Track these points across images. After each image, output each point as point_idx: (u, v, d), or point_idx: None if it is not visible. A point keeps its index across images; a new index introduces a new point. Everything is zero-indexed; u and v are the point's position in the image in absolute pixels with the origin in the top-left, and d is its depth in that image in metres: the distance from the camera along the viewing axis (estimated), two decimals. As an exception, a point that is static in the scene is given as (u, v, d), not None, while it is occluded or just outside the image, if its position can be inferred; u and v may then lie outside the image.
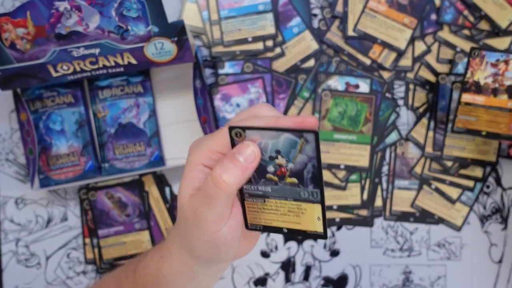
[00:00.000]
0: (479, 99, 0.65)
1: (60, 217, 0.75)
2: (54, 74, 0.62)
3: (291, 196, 0.44)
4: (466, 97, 0.65)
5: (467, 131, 0.68)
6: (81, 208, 0.74)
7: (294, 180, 0.44)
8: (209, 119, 0.68)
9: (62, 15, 0.56)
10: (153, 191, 0.73)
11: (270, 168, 0.44)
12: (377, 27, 0.71)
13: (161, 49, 0.61)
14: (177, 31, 0.59)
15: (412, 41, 0.72)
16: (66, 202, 0.74)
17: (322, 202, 0.43)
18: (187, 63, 0.65)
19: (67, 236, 0.75)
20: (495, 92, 0.65)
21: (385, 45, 0.72)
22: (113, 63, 0.62)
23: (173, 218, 0.74)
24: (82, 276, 0.75)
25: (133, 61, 0.62)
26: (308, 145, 0.41)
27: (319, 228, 0.44)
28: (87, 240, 0.74)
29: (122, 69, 0.64)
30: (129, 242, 0.73)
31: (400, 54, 0.72)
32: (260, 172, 0.44)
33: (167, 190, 0.74)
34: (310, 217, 0.44)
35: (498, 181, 0.74)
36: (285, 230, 0.45)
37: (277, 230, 0.46)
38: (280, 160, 0.43)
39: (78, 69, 0.62)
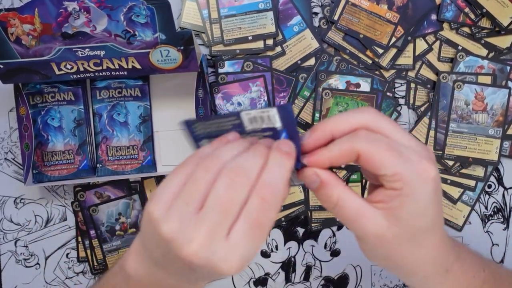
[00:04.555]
0: (365, 3, 0.76)
1: (59, 216, 0.80)
2: (57, 72, 0.69)
3: None
4: None
5: (348, 30, 0.78)
6: (72, 209, 0.80)
7: (134, 230, 0.77)
8: (208, 130, 0.75)
9: (70, 15, 0.62)
10: (154, 195, 0.80)
11: (117, 227, 0.78)
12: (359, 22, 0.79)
13: (166, 56, 0.67)
14: (184, 40, 0.65)
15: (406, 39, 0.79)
16: (65, 201, 0.80)
17: None
18: (192, 72, 0.71)
19: (66, 236, 0.80)
20: (378, 0, 0.77)
21: (368, 41, 0.79)
22: (117, 66, 0.68)
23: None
24: (81, 276, 0.81)
25: (137, 66, 0.68)
26: (136, 202, 0.74)
27: None
28: (80, 239, 0.81)
29: (125, 73, 0.70)
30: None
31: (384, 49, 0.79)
32: (111, 232, 0.78)
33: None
34: None
35: (499, 181, 0.80)
36: None
37: None
38: (122, 219, 0.78)
39: (81, 69, 0.68)
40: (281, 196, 0.43)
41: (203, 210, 0.42)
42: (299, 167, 0.47)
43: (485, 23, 0.79)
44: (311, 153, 0.47)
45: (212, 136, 0.49)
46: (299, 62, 0.79)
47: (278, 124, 0.45)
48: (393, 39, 0.78)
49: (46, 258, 0.81)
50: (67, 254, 0.81)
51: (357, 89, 0.78)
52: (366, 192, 0.79)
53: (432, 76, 0.80)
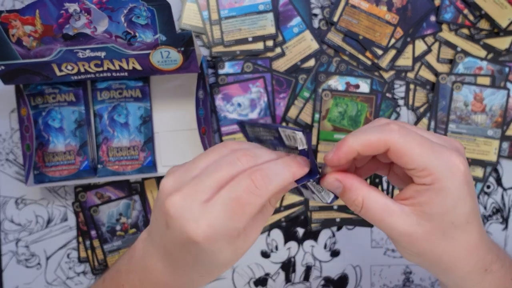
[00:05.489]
0: (364, 4, 0.76)
1: (60, 217, 0.81)
2: (58, 73, 0.69)
3: None
4: (354, 0, 0.77)
5: (347, 32, 0.78)
6: (73, 209, 0.80)
7: (134, 230, 0.78)
8: (208, 131, 0.75)
9: (71, 16, 0.62)
10: (154, 195, 0.80)
11: (118, 227, 0.78)
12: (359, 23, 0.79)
13: (167, 57, 0.67)
14: (184, 42, 0.65)
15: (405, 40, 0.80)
16: (66, 202, 0.80)
17: None
18: (192, 73, 0.71)
19: (67, 236, 0.81)
20: (377, 1, 0.76)
21: (367, 42, 0.79)
22: (117, 67, 0.69)
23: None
24: (82, 276, 0.81)
25: (138, 67, 0.69)
26: (136, 203, 0.76)
27: None
28: (81, 239, 0.81)
29: (126, 74, 0.70)
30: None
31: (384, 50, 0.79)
32: (111, 232, 0.78)
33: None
34: None
35: (498, 181, 0.80)
36: None
37: None
38: (123, 220, 0.78)
39: (82, 70, 0.68)
40: (272, 188, 0.44)
41: (199, 174, 0.45)
42: (316, 177, 0.48)
43: (484, 24, 0.79)
44: (338, 144, 0.47)
45: (260, 140, 0.52)
46: (299, 63, 0.79)
47: (304, 146, 0.46)
48: (392, 41, 0.78)
49: (47, 259, 0.81)
50: (68, 255, 0.81)
51: (357, 90, 0.78)
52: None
53: (431, 77, 0.80)
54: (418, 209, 0.45)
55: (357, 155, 0.46)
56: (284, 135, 0.47)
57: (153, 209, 0.50)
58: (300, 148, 0.47)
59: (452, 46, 0.79)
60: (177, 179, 0.46)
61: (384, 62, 0.79)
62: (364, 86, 0.79)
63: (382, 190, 0.80)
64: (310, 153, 0.46)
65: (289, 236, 0.81)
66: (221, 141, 0.79)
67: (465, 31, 0.79)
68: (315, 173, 0.48)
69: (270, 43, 0.79)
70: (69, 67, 0.68)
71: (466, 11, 0.78)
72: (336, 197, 0.50)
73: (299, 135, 0.45)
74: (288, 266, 0.82)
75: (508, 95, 0.78)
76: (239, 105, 0.79)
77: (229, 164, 0.45)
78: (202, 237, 0.43)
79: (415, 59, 0.80)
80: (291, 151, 0.49)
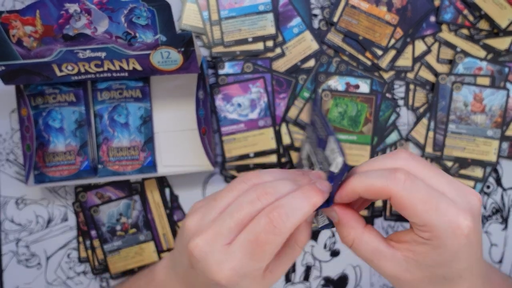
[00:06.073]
0: (364, 5, 0.76)
1: (61, 217, 0.80)
2: (58, 74, 0.69)
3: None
4: (354, 0, 0.77)
5: (347, 32, 0.78)
6: (73, 209, 0.80)
7: (134, 230, 0.79)
8: (208, 131, 0.75)
9: (71, 17, 0.62)
10: (154, 195, 0.80)
11: (118, 227, 0.79)
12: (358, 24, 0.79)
13: (167, 58, 0.67)
14: (184, 42, 0.65)
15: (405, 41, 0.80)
16: (67, 202, 0.80)
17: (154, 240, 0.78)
18: (192, 73, 0.71)
19: (68, 237, 0.81)
20: (377, 2, 0.76)
21: (367, 42, 0.79)
22: (118, 68, 0.68)
23: (172, 223, 0.81)
24: (82, 276, 0.81)
25: (138, 67, 0.69)
26: (137, 203, 0.78)
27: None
28: (81, 239, 0.81)
29: (126, 74, 0.70)
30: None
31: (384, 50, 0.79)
32: (112, 232, 0.79)
33: (166, 191, 0.81)
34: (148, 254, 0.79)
35: (498, 181, 0.80)
36: (136, 270, 0.79)
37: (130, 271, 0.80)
38: (123, 219, 0.79)
39: (82, 70, 0.68)
40: (291, 224, 0.44)
41: (220, 215, 0.47)
42: (331, 205, 0.48)
43: (483, 25, 0.79)
44: (343, 184, 0.47)
45: (314, 127, 0.52)
46: (298, 63, 0.79)
47: (336, 171, 0.46)
48: (392, 41, 0.78)
49: (48, 258, 0.81)
50: (68, 255, 0.81)
51: (357, 91, 0.78)
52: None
53: (431, 78, 0.80)
54: (411, 257, 0.45)
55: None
56: (330, 146, 0.47)
57: (176, 242, 0.52)
58: (331, 169, 0.46)
59: (452, 46, 0.79)
60: (200, 219, 0.48)
61: (384, 63, 0.79)
62: (364, 87, 0.79)
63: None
64: (336, 182, 0.46)
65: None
66: (221, 141, 0.78)
67: (464, 31, 0.79)
68: (331, 202, 0.48)
69: (270, 43, 0.79)
70: (70, 68, 0.68)
71: (465, 11, 0.78)
72: (326, 226, 0.51)
73: (340, 160, 0.44)
74: (288, 266, 0.82)
75: (508, 96, 0.78)
76: (239, 105, 0.79)
77: (249, 204, 0.45)
78: (225, 281, 0.45)
79: (415, 60, 0.80)
80: (324, 162, 0.49)
